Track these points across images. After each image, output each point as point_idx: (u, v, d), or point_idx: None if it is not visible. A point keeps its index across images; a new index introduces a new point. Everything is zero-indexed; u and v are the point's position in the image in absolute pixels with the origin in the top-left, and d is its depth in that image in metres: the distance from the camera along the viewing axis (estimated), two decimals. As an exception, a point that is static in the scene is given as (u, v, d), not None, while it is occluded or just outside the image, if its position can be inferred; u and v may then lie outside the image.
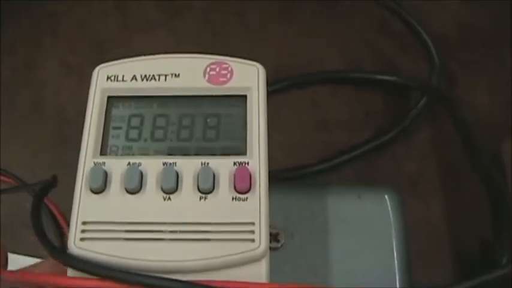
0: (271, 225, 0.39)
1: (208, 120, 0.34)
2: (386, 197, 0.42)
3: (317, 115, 0.59)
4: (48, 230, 0.35)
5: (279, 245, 0.40)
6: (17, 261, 0.38)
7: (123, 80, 0.35)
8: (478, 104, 0.61)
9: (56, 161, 0.58)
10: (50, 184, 0.38)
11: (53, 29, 0.65)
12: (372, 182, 0.50)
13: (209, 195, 0.32)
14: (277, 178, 0.55)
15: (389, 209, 0.42)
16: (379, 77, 0.59)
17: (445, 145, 0.58)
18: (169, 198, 0.32)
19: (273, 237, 0.40)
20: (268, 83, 0.59)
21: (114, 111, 0.35)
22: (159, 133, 0.34)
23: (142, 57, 0.36)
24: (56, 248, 0.32)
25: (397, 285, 0.39)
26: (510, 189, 0.53)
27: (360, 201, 0.42)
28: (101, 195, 0.32)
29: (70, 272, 0.31)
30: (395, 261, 0.40)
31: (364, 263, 0.40)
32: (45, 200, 0.42)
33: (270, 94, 0.58)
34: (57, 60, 0.63)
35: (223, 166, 0.33)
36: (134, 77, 0.35)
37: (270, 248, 0.39)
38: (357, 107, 0.60)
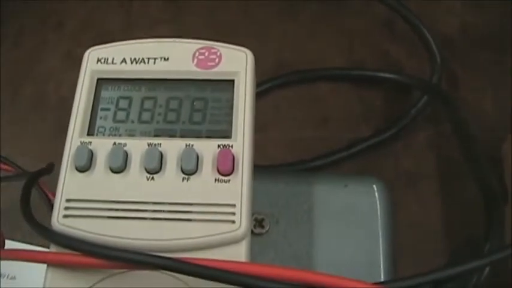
0: (256, 211, 0.40)
1: (195, 103, 0.35)
2: (374, 186, 0.42)
3: (317, 112, 0.60)
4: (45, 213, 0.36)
5: (264, 231, 0.40)
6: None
7: (112, 62, 0.36)
8: (481, 105, 0.60)
9: (58, 153, 0.59)
10: (44, 170, 0.39)
11: (58, 24, 0.65)
12: (360, 172, 0.50)
13: (192, 176, 0.33)
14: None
15: (377, 199, 0.42)
16: (380, 74, 0.59)
17: (444, 144, 0.58)
18: (152, 178, 0.33)
19: (258, 222, 0.41)
20: (269, 79, 0.60)
21: (103, 93, 0.35)
22: (146, 115, 0.35)
23: (133, 41, 0.37)
24: (38, 224, 0.32)
25: (381, 276, 0.39)
26: (509, 190, 0.52)
27: (346, 190, 0.42)
28: (85, 173, 0.33)
29: (53, 248, 0.32)
30: (381, 252, 0.40)
31: (348, 252, 0.40)
32: (43, 187, 0.43)
33: (271, 89, 0.59)
34: (61, 53, 0.64)
35: (207, 148, 0.33)
36: (124, 60, 0.36)
37: (255, 234, 0.39)
38: (357, 104, 0.60)
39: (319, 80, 0.61)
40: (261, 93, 0.59)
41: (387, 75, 0.59)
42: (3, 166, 0.48)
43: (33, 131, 0.60)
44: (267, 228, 0.41)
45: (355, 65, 0.62)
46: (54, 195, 0.44)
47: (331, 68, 0.61)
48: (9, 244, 0.46)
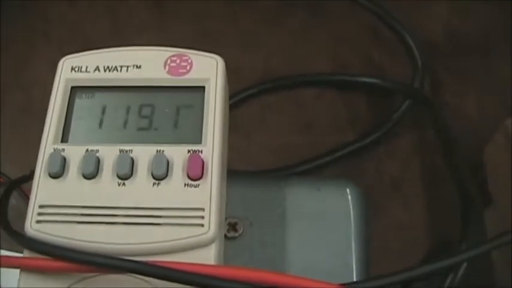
0: (230, 215, 0.41)
1: (167, 110, 0.35)
2: (347, 190, 0.42)
3: (301, 117, 0.60)
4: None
5: (237, 235, 0.41)
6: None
7: (86, 70, 0.36)
8: (465, 111, 0.61)
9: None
10: (24, 177, 0.40)
11: (45, 31, 0.66)
12: (334, 176, 0.51)
13: (162, 182, 0.33)
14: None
15: (350, 202, 0.42)
16: (363, 79, 0.60)
17: (427, 148, 0.58)
18: (123, 184, 0.33)
19: (232, 226, 0.41)
20: (253, 85, 0.61)
21: (77, 101, 0.36)
22: (119, 122, 0.35)
23: (106, 49, 0.37)
24: (12, 230, 0.33)
25: (354, 278, 0.39)
26: (492, 191, 0.53)
27: (319, 194, 0.42)
28: (58, 179, 0.34)
29: (26, 253, 0.32)
30: (353, 255, 0.40)
31: (322, 255, 0.41)
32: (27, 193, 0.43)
33: (255, 96, 0.60)
34: (48, 61, 0.64)
35: (178, 153, 0.34)
36: (97, 68, 0.37)
37: (229, 238, 0.40)
38: (340, 109, 0.60)
39: (302, 86, 0.62)
40: (245, 99, 0.60)
41: (369, 80, 0.60)
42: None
43: (22, 138, 0.61)
44: (240, 231, 0.41)
45: (341, 70, 0.63)
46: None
47: (315, 74, 0.62)
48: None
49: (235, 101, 0.58)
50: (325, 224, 0.42)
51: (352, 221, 0.42)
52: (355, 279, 0.40)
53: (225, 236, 0.40)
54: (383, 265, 0.46)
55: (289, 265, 0.40)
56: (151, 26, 0.67)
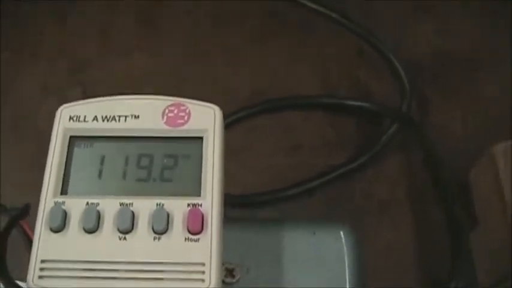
0: (227, 261, 0.41)
1: (165, 161, 0.36)
2: (341, 233, 0.43)
3: (289, 139, 0.61)
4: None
5: (234, 280, 0.42)
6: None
7: (84, 120, 0.37)
8: (451, 130, 0.62)
9: (37, 182, 0.59)
10: (19, 215, 0.40)
11: (34, 51, 0.66)
12: (328, 218, 0.52)
13: (163, 236, 0.34)
14: (250, 203, 0.57)
15: (344, 245, 0.43)
16: (351, 102, 0.61)
17: (415, 170, 0.59)
18: (124, 238, 0.34)
19: (229, 272, 0.42)
20: (242, 107, 0.61)
21: (76, 151, 0.36)
22: (118, 173, 0.36)
23: (104, 98, 0.37)
24: (14, 284, 0.33)
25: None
26: (478, 214, 0.54)
27: (315, 238, 0.43)
28: (59, 234, 0.34)
29: (29, 308, 0.33)
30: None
31: (318, 299, 0.41)
32: (23, 224, 0.44)
33: (243, 118, 0.60)
34: (37, 81, 0.64)
35: (177, 207, 0.34)
36: (95, 118, 0.37)
37: (226, 283, 0.41)
38: (328, 132, 0.61)
39: (290, 108, 0.62)
40: (233, 122, 0.60)
41: (358, 103, 0.60)
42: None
43: (10, 160, 0.61)
44: (237, 277, 0.42)
45: (328, 91, 0.64)
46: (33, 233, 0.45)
47: (302, 97, 0.62)
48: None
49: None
50: (320, 267, 0.42)
51: (346, 263, 0.42)
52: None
53: (223, 281, 0.41)
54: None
55: (286, 309, 0.41)
56: (140, 46, 0.67)
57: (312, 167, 0.58)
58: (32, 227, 0.43)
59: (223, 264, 0.35)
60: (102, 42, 0.67)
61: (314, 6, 0.62)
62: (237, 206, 0.54)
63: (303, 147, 0.60)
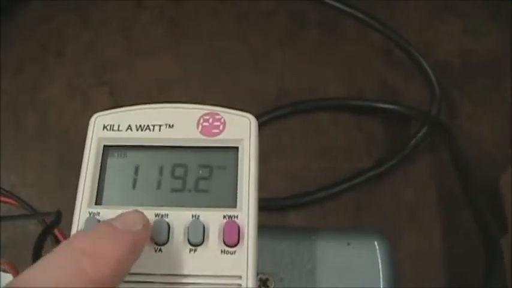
0: (261, 271, 0.41)
1: (200, 171, 0.35)
2: (375, 243, 0.43)
3: (318, 142, 0.60)
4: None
5: (269, 291, 0.41)
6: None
7: (118, 129, 0.36)
8: (480, 134, 0.61)
9: (61, 185, 0.60)
10: (53, 223, 0.40)
11: (59, 51, 0.66)
12: (362, 228, 0.51)
13: (199, 248, 0.33)
14: (279, 206, 0.56)
15: (378, 255, 0.42)
16: (380, 105, 0.60)
17: (444, 174, 0.59)
18: (160, 250, 0.33)
19: (263, 282, 0.41)
20: (271, 109, 0.60)
21: (110, 160, 0.36)
22: (152, 183, 0.35)
23: (138, 107, 0.37)
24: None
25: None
26: (508, 221, 0.53)
27: (349, 248, 0.43)
28: (95, 245, 0.33)
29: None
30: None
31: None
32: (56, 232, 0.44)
33: (271, 121, 0.60)
34: (62, 82, 0.64)
35: (213, 219, 0.34)
36: (129, 127, 0.36)
37: (260, 294, 0.40)
38: (357, 134, 0.61)
39: (319, 110, 0.62)
40: (262, 124, 0.59)
41: (386, 105, 0.60)
42: (5, 199, 0.48)
43: (36, 161, 0.61)
44: (271, 287, 0.42)
45: (355, 93, 0.63)
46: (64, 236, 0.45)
47: (331, 98, 0.62)
48: (4, 277, 0.47)
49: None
50: (354, 278, 0.42)
51: (381, 274, 0.42)
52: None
53: (257, 292, 0.40)
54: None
55: (319, 320, 0.41)
56: (164, 45, 0.66)
57: (342, 170, 0.58)
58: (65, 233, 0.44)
59: (257, 275, 0.35)
60: (126, 41, 0.66)
61: (341, 6, 0.61)
62: (265, 209, 0.54)
63: (332, 150, 0.60)
